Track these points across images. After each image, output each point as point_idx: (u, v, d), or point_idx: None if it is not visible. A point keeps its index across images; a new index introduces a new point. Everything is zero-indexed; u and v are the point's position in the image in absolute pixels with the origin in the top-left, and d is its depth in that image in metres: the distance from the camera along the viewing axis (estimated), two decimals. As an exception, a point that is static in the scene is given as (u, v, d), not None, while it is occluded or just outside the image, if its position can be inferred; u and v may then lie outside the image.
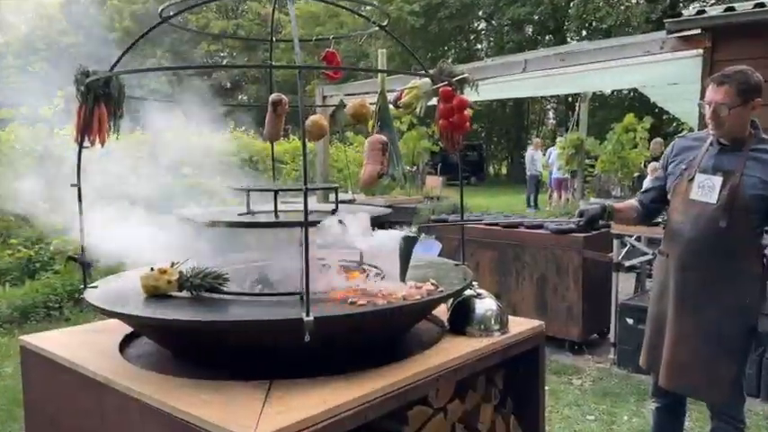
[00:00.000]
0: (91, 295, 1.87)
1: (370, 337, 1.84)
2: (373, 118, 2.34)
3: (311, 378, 1.61)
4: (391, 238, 1.82)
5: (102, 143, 2.04)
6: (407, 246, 1.86)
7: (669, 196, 2.80)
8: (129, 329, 2.03)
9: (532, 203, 16.37)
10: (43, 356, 1.93)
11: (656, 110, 16.95)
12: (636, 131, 9.64)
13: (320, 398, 1.49)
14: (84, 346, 1.93)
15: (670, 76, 6.64)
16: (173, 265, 1.88)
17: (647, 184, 3.05)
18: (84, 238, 1.96)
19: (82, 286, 1.98)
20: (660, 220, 4.28)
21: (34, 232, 6.74)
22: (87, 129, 1.99)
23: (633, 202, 2.98)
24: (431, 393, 1.80)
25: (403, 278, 1.87)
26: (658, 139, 10.92)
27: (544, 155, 16.90)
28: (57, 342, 1.98)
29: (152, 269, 1.84)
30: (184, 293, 1.83)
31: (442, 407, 1.87)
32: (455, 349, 1.88)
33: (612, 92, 26.32)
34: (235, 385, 1.58)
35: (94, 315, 5.39)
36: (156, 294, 1.83)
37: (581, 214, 2.81)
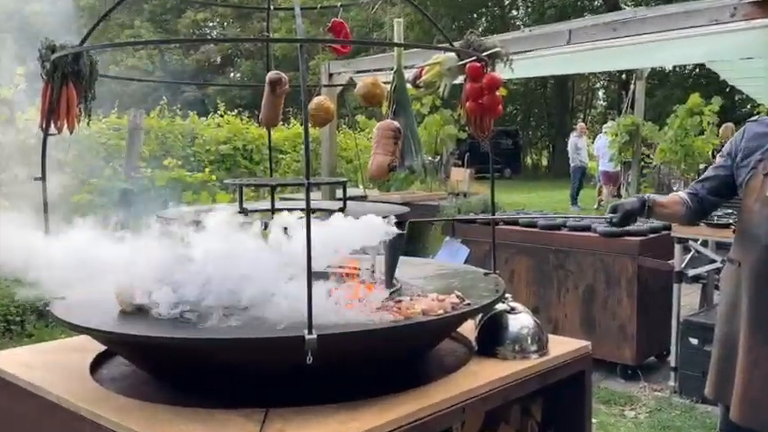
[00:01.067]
0: (58, 308, 1.89)
1: (384, 359, 1.84)
2: (388, 99, 2.34)
3: (314, 406, 1.62)
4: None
5: (71, 129, 2.07)
6: (394, 245, 1.84)
7: (740, 193, 2.77)
8: (102, 348, 2.05)
9: (576, 200, 16.32)
10: (2, 378, 1.95)
11: (727, 89, 16.80)
12: (702, 115, 9.57)
13: (324, 430, 1.50)
14: (50, 367, 1.95)
15: (743, 48, 6.57)
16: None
17: (706, 172, 2.98)
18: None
19: (47, 297, 2.01)
20: (731, 221, 4.25)
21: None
22: (53, 113, 2.01)
23: (681, 194, 2.90)
24: (455, 425, 1.80)
25: (389, 284, 1.87)
26: (729, 124, 10.81)
27: (592, 142, 16.80)
28: (18, 362, 2.01)
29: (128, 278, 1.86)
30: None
31: (469, 442, 1.87)
32: (484, 374, 1.88)
33: (674, 68, 26.13)
34: (224, 414, 1.59)
35: (62, 331, 5.44)
36: (132, 307, 1.84)
37: (614, 209, 2.77)
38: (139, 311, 1.83)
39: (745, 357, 2.66)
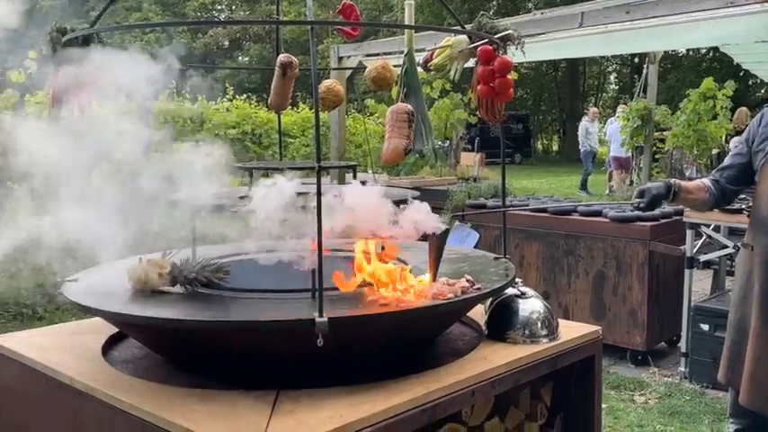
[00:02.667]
0: (69, 290, 1.91)
1: (395, 343, 1.86)
2: (398, 83, 2.34)
3: (325, 388, 1.63)
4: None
5: (82, 112, 2.07)
6: (439, 241, 1.87)
7: (756, 178, 2.77)
8: (113, 330, 2.08)
9: (586, 186, 16.27)
10: (14, 360, 1.98)
11: (741, 73, 16.66)
12: (716, 99, 9.47)
13: (335, 411, 1.52)
14: (62, 349, 1.97)
15: (758, 32, 6.51)
16: (164, 255, 1.91)
17: (725, 160, 2.99)
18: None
19: (58, 279, 2.03)
20: (744, 206, 4.23)
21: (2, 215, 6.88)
22: (65, 96, 2.02)
23: (705, 181, 2.92)
24: (465, 409, 1.81)
25: (434, 278, 1.88)
26: (743, 109, 10.72)
27: (603, 126, 16.71)
28: (30, 343, 2.03)
29: (140, 260, 1.88)
30: (177, 288, 1.86)
31: (479, 425, 1.88)
32: (494, 358, 1.89)
33: (687, 51, 25.89)
34: (236, 395, 1.61)
35: (72, 314, 5.50)
36: (145, 289, 1.86)
37: (641, 194, 2.77)
38: (152, 292, 1.85)
39: (754, 341, 2.67)
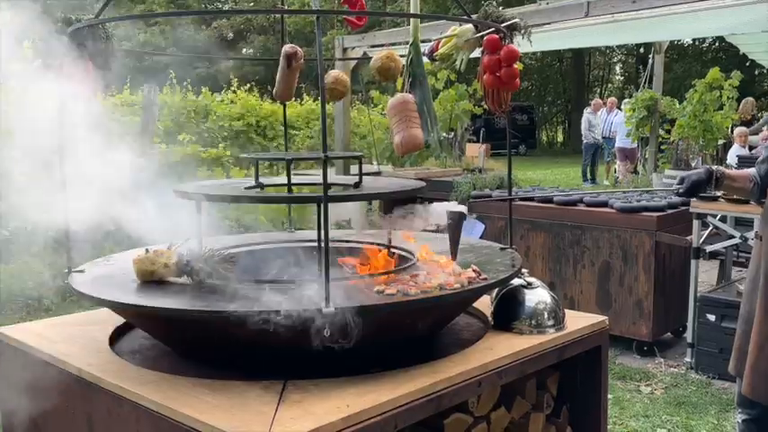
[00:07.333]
0: (76, 281, 1.92)
1: (401, 333, 1.86)
2: (403, 73, 2.33)
3: (331, 378, 1.64)
4: None
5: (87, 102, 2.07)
6: (456, 222, 1.90)
7: None
8: (120, 321, 2.08)
9: (589, 176, 16.23)
10: (23, 351, 1.99)
11: (747, 63, 16.57)
12: (722, 89, 9.42)
13: (342, 401, 1.52)
14: (70, 340, 1.98)
15: (764, 21, 6.46)
16: (170, 246, 1.91)
17: (763, 154, 2.97)
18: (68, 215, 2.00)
19: (66, 271, 2.03)
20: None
21: (9, 209, 6.89)
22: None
23: (752, 171, 2.90)
24: (471, 399, 1.82)
25: (454, 256, 1.93)
26: (749, 99, 10.67)
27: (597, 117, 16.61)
28: (38, 334, 2.04)
29: (147, 251, 1.88)
30: (184, 279, 1.87)
31: (485, 415, 1.88)
32: (500, 348, 1.89)
33: (693, 41, 25.77)
34: (243, 386, 1.62)
35: (79, 305, 5.52)
36: (151, 280, 1.87)
37: (681, 180, 2.75)
38: (159, 283, 1.86)
39: (756, 331, 2.66)
